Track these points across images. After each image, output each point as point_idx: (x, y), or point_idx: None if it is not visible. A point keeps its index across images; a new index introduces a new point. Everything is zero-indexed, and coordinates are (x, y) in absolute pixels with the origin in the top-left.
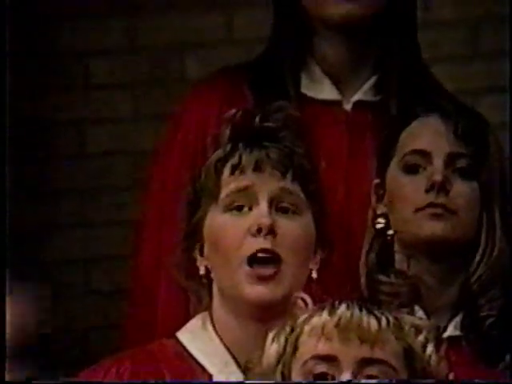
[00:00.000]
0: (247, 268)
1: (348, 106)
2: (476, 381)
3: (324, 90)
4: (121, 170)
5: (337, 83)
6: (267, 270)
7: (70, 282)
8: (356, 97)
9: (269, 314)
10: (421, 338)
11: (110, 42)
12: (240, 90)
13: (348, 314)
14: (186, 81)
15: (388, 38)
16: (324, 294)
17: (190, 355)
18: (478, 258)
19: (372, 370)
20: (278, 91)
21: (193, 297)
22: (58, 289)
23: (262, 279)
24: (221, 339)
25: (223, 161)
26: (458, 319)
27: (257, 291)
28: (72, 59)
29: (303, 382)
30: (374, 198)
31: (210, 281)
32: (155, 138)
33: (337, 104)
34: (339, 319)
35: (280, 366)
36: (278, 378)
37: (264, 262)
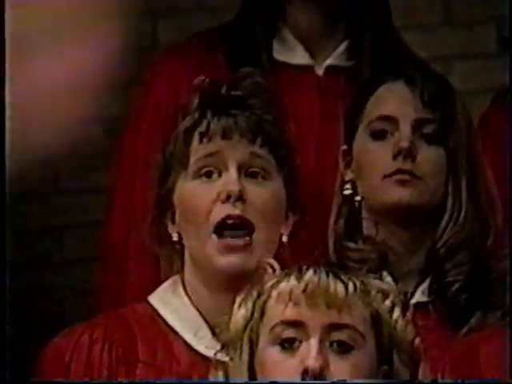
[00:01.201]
0: (216, 238)
1: (320, 71)
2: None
3: (296, 55)
4: (94, 137)
5: (309, 48)
6: (238, 241)
7: (44, 249)
8: (328, 61)
9: (241, 282)
10: (387, 302)
11: None
12: (212, 55)
13: (315, 279)
14: (159, 47)
15: (359, 3)
16: (295, 258)
17: (162, 319)
18: (444, 223)
19: (339, 335)
20: (250, 56)
21: (164, 262)
22: (32, 256)
23: (234, 249)
24: (192, 304)
25: (191, 129)
26: (425, 285)
27: (228, 261)
28: None
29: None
30: (341, 165)
31: (183, 246)
32: (128, 105)
33: (309, 69)
34: (306, 284)
35: (247, 331)
36: (246, 342)
37: (234, 229)
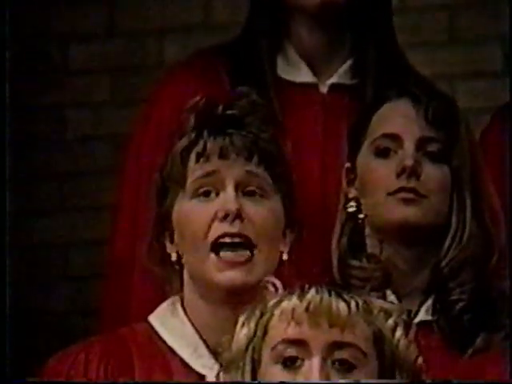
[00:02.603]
0: (214, 256)
1: (324, 89)
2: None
3: (300, 73)
4: (100, 155)
5: (313, 66)
6: (239, 257)
7: (49, 265)
8: (332, 80)
9: (240, 299)
10: (390, 321)
11: (89, 28)
12: (216, 72)
13: (317, 298)
14: (165, 65)
15: (364, 22)
16: (296, 276)
17: (161, 339)
18: (448, 242)
19: (342, 354)
20: (254, 74)
21: (164, 283)
22: (37, 272)
23: (234, 265)
24: (191, 323)
25: (188, 149)
26: (429, 303)
27: (228, 277)
28: (51, 44)
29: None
30: (345, 182)
31: (182, 266)
32: (132, 122)
33: (313, 87)
34: (309, 303)
35: (250, 351)
36: (248, 362)
37: (234, 246)
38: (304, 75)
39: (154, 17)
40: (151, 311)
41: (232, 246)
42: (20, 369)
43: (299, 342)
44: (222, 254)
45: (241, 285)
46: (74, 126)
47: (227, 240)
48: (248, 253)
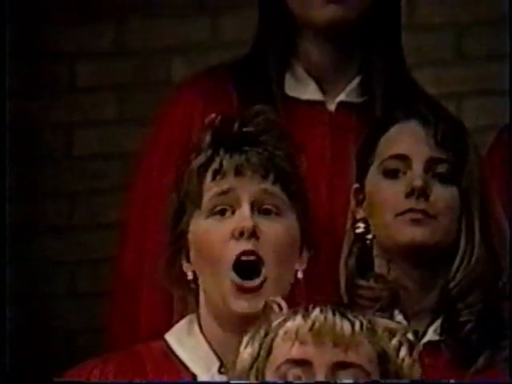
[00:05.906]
0: (233, 277)
1: (332, 107)
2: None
3: (308, 91)
4: (107, 173)
5: (321, 84)
6: (252, 282)
7: (57, 284)
8: (340, 98)
9: (253, 324)
10: (394, 341)
11: (97, 45)
12: (224, 90)
13: (322, 318)
14: (173, 84)
15: (372, 40)
16: (307, 295)
17: (177, 357)
18: (457, 263)
19: (345, 374)
20: (262, 91)
21: (178, 302)
22: (44, 290)
23: (248, 291)
24: (207, 342)
25: (204, 167)
26: (437, 324)
27: (242, 305)
28: (59, 62)
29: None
30: (353, 203)
31: (197, 285)
32: (141, 140)
33: (320, 104)
34: (313, 323)
35: (254, 370)
36: (252, 381)
37: (247, 266)
38: (311, 92)
39: (161, 34)
40: (160, 327)
41: (247, 268)
42: None
43: (303, 362)
44: (237, 280)
45: (254, 313)
46: (82, 144)
47: (243, 258)
48: (261, 279)
